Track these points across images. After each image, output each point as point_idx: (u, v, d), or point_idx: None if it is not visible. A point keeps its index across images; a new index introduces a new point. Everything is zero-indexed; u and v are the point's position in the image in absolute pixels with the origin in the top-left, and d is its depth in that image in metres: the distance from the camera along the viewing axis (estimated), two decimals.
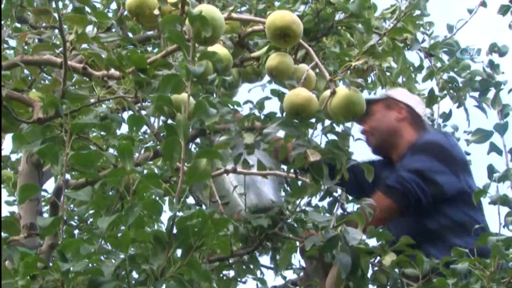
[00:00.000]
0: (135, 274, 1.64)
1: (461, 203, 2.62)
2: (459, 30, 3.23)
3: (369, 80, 3.18)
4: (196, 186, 2.47)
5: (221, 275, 2.64)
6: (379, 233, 2.09)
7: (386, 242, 2.12)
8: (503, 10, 3.10)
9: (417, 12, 2.87)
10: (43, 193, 2.88)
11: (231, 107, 2.33)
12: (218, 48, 2.21)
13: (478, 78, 3.17)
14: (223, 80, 2.33)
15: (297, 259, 2.93)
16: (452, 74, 3.26)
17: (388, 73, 3.17)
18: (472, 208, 2.59)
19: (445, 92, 3.31)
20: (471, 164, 2.93)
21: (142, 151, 2.24)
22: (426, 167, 2.59)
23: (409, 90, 3.18)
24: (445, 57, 3.25)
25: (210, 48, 2.11)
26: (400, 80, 3.24)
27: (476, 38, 3.32)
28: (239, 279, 2.66)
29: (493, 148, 2.49)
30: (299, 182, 2.20)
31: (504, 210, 2.36)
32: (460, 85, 3.26)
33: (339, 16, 2.66)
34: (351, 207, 2.15)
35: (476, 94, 3.24)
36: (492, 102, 2.91)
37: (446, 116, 3.44)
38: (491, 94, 3.09)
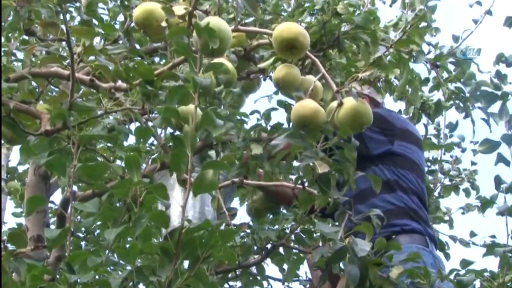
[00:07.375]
0: (142, 286, 1.64)
1: (391, 163, 2.71)
2: (465, 41, 3.22)
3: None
4: None
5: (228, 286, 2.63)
6: (387, 245, 2.08)
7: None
8: (509, 22, 3.09)
9: (424, 24, 2.87)
10: (50, 205, 2.88)
11: (238, 118, 2.33)
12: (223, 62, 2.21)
13: (484, 88, 3.16)
14: (230, 92, 2.33)
15: (303, 271, 2.93)
16: (458, 84, 3.25)
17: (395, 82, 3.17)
18: (404, 168, 2.72)
19: (451, 102, 3.30)
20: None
21: (150, 163, 2.24)
22: None
23: (414, 101, 3.19)
24: (451, 67, 3.24)
25: (216, 61, 2.11)
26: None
27: (483, 50, 3.30)
28: None
29: (501, 159, 2.48)
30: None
31: None
32: (467, 95, 3.25)
33: (345, 27, 2.67)
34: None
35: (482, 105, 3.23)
36: (499, 112, 2.90)
37: (453, 127, 3.43)
38: (497, 104, 3.08)
